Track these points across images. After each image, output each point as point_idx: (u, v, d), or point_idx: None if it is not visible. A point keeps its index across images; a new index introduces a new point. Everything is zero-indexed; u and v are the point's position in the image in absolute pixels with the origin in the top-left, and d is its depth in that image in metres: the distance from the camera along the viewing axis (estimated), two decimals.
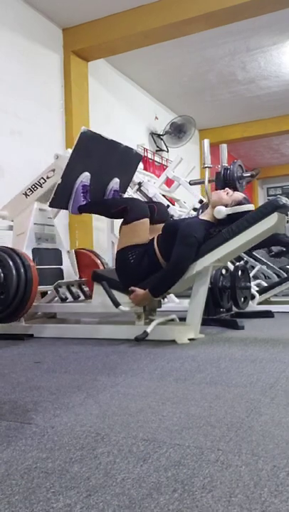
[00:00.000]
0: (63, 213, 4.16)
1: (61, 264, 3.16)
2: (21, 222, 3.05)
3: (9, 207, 3.14)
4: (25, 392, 1.49)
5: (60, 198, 2.84)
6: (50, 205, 2.89)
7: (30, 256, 2.87)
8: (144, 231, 2.63)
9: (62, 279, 3.10)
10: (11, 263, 2.61)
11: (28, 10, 4.28)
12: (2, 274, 2.62)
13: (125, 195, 3.35)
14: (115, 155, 3.02)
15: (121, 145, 3.02)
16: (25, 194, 3.08)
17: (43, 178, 3.03)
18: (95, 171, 2.91)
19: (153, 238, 2.66)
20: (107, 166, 3.01)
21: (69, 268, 3.21)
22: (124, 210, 2.66)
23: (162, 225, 2.69)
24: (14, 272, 2.59)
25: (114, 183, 3.10)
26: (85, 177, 2.86)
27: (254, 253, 4.71)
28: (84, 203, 2.87)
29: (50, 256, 3.08)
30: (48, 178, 3.02)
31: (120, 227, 2.74)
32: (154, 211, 2.75)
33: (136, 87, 6.18)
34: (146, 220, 2.65)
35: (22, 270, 2.62)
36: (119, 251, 2.63)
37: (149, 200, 3.04)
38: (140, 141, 6.17)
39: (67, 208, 2.91)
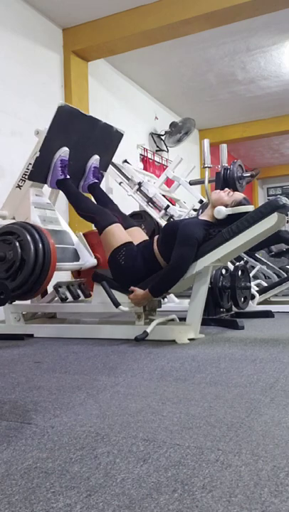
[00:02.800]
0: (63, 214, 4.16)
1: (73, 244, 3.09)
2: (22, 212, 2.99)
3: (7, 205, 3.11)
4: (25, 392, 1.49)
5: (38, 171, 2.86)
6: (29, 178, 2.89)
7: None
8: (119, 232, 2.67)
9: (78, 258, 3.03)
10: (29, 238, 2.56)
11: (28, 10, 4.28)
12: (20, 250, 2.56)
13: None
14: (95, 132, 3.04)
15: (100, 121, 3.04)
16: (19, 186, 3.02)
17: (30, 163, 2.96)
18: (75, 147, 2.92)
19: (152, 239, 2.67)
20: (87, 143, 3.02)
21: (82, 248, 3.14)
22: (92, 220, 2.77)
23: (134, 228, 2.81)
24: (32, 247, 2.54)
25: (94, 159, 3.13)
26: (64, 152, 2.88)
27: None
28: (62, 177, 2.89)
29: (60, 236, 2.99)
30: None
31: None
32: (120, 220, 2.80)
33: (136, 87, 6.17)
34: (116, 225, 2.69)
35: (40, 246, 2.56)
36: (108, 258, 2.67)
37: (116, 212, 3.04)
38: (140, 141, 6.17)
39: (45, 182, 2.93)
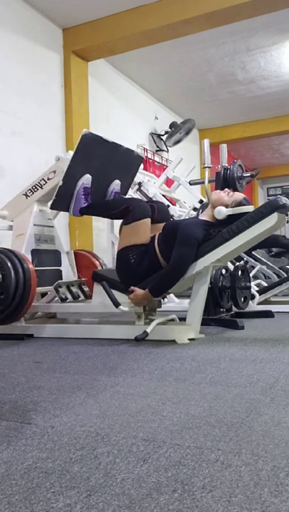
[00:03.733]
0: (63, 213, 4.16)
1: (60, 266, 3.17)
2: (21, 223, 3.05)
3: (9, 207, 3.14)
4: (25, 392, 1.49)
5: (61, 201, 2.83)
6: (52, 208, 2.88)
7: (30, 257, 2.87)
8: (145, 231, 2.63)
9: (61, 279, 3.10)
10: (9, 265, 2.62)
11: (28, 10, 4.28)
12: (0, 276, 2.62)
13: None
14: (116, 157, 3.01)
15: (122, 147, 3.01)
16: (26, 195, 3.08)
17: (43, 179, 3.02)
18: (96, 173, 2.90)
19: (154, 237, 2.66)
20: (108, 168, 3.01)
21: (68, 269, 3.22)
22: (125, 210, 2.66)
23: (163, 224, 2.69)
24: (13, 273, 2.60)
25: (116, 184, 3.10)
26: (87, 179, 2.85)
27: (254, 253, 4.71)
28: (85, 205, 2.86)
29: (49, 257, 3.08)
30: (48, 179, 3.02)
31: (120, 227, 2.73)
32: (155, 211, 2.75)
33: (136, 87, 6.17)
34: (148, 220, 2.64)
35: (21, 271, 2.63)
36: (119, 251, 2.63)
37: (149, 200, 3.03)
38: (140, 141, 6.17)
39: (68, 210, 2.90)
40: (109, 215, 2.98)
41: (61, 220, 4.23)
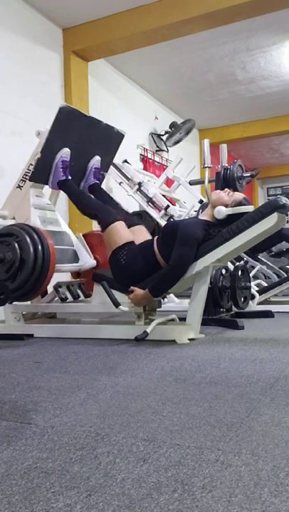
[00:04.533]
0: (63, 214, 4.16)
1: (72, 246, 3.08)
2: (22, 211, 2.98)
3: (7, 205, 3.11)
4: (25, 392, 1.49)
5: (39, 172, 2.86)
6: (31, 179, 2.89)
7: None
8: (122, 231, 2.66)
9: (77, 259, 3.04)
10: (28, 239, 2.57)
11: (28, 10, 4.28)
12: (19, 251, 2.57)
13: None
14: (96, 132, 3.04)
15: (102, 122, 3.05)
16: (19, 186, 3.01)
17: (31, 163, 2.95)
18: (76, 148, 2.92)
19: (153, 239, 2.67)
20: (88, 143, 3.02)
21: (81, 249, 3.13)
22: (95, 217, 2.76)
23: (137, 227, 2.80)
24: (32, 248, 2.54)
25: (95, 160, 3.13)
26: (65, 153, 2.88)
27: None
28: (63, 178, 2.89)
29: (60, 238, 2.99)
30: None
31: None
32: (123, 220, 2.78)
33: (136, 87, 6.17)
34: (119, 223, 2.68)
35: (40, 248, 2.57)
36: (109, 258, 2.66)
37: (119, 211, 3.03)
38: (140, 141, 6.17)
39: (47, 183, 2.93)
40: (79, 209, 2.94)
41: (63, 217, 4.22)
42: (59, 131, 2.82)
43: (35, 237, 2.60)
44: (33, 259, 2.55)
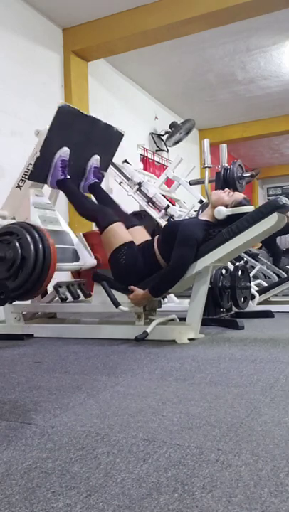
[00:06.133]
0: (63, 214, 4.16)
1: (73, 245, 3.08)
2: (22, 211, 2.98)
3: (7, 205, 3.10)
4: (25, 392, 1.49)
5: (38, 171, 2.86)
6: (29, 178, 2.89)
7: None
8: (121, 232, 2.67)
9: (78, 258, 3.03)
10: (29, 238, 2.57)
11: (28, 10, 4.28)
12: (20, 250, 2.56)
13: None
14: (96, 132, 3.05)
15: (101, 122, 3.05)
16: (19, 186, 3.01)
17: (30, 163, 2.95)
18: (75, 147, 2.92)
19: (153, 239, 2.67)
20: (87, 143, 3.02)
21: (81, 248, 3.13)
22: (94, 219, 2.76)
23: (136, 228, 2.80)
24: (32, 247, 2.54)
25: (95, 160, 3.13)
26: (64, 152, 2.88)
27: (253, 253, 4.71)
28: (62, 177, 2.89)
29: (60, 237, 2.98)
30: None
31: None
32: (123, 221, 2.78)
33: (136, 87, 6.18)
34: (117, 224, 2.68)
35: (40, 246, 2.57)
36: (109, 259, 2.66)
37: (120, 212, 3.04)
38: (140, 141, 6.17)
39: (46, 182, 2.93)
40: (75, 208, 2.94)
41: (63, 216, 4.22)
42: (58, 131, 2.82)
43: (36, 235, 2.60)
44: (33, 257, 2.54)
